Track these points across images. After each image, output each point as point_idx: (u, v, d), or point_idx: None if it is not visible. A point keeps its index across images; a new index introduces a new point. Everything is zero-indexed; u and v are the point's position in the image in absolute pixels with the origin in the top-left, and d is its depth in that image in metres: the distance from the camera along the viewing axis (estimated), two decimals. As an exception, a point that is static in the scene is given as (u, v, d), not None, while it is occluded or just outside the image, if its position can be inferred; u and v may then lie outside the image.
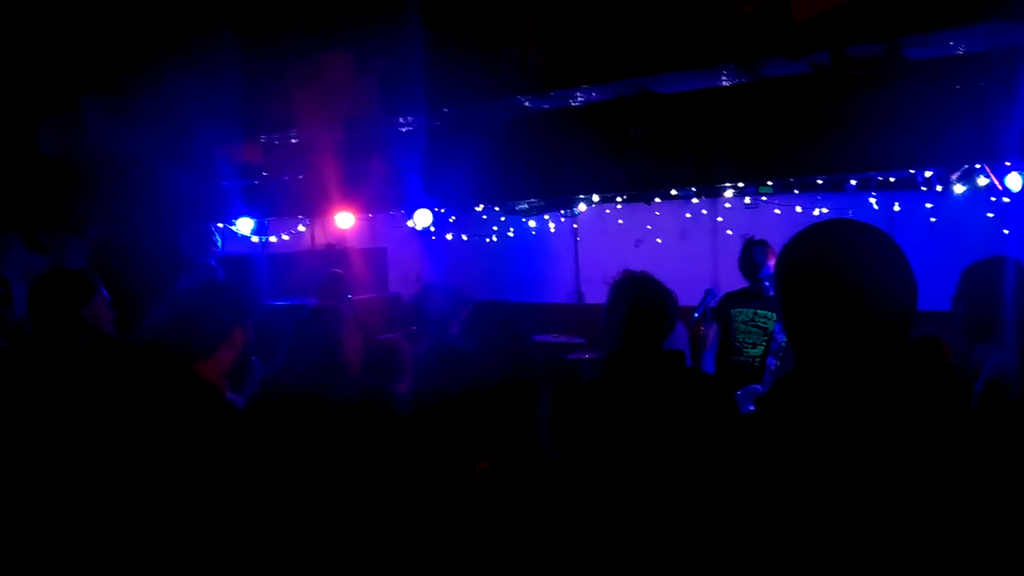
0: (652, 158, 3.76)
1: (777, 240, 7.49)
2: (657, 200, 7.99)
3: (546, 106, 3.52)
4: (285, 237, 7.87)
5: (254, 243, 7.45)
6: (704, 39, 2.77)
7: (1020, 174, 4.83)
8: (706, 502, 1.41)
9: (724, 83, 3.09)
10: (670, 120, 3.52)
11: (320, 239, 8.65)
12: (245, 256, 7.12)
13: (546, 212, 8.25)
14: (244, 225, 6.92)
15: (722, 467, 1.39)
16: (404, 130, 4.14)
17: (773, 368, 4.48)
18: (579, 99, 3.39)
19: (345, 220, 6.90)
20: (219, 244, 6.97)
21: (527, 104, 3.49)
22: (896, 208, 6.81)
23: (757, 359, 4.49)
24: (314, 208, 5.89)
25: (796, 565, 1.22)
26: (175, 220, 5.53)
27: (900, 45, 2.48)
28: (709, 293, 5.03)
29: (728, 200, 8.36)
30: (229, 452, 2.02)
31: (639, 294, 2.67)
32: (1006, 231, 6.42)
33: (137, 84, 4.15)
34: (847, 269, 1.29)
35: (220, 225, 6.94)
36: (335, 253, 8.29)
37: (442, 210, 7.18)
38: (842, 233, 1.35)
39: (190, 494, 1.95)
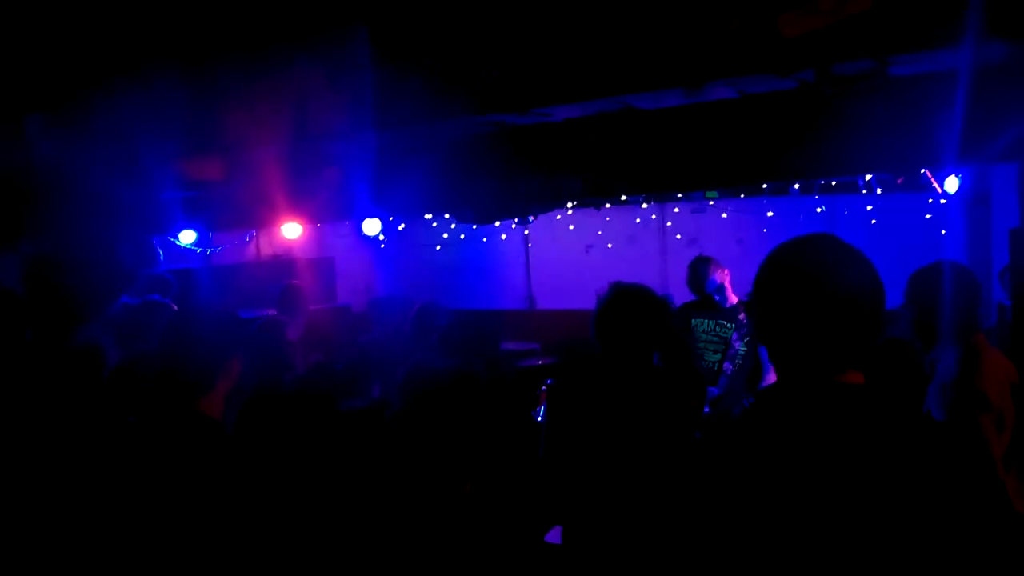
0: (603, 168, 3.79)
1: (725, 243, 7.63)
2: (607, 206, 8.05)
3: (508, 121, 3.50)
4: (226, 247, 7.67)
5: (196, 255, 7.24)
6: (686, 56, 2.71)
7: (956, 176, 5.03)
8: (674, 504, 1.45)
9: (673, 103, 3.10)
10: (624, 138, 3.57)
11: (266, 250, 8.47)
12: (188, 270, 6.91)
13: (497, 219, 8.22)
14: (186, 237, 6.71)
15: (693, 473, 1.44)
16: (352, 146, 4.07)
17: (728, 372, 4.60)
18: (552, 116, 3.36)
19: (292, 230, 6.75)
20: (160, 257, 6.75)
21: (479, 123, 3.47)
22: (845, 213, 7.03)
23: (716, 363, 4.64)
24: (261, 219, 5.74)
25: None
26: (114, 233, 5.33)
27: (887, 63, 2.52)
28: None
29: (676, 205, 8.49)
30: (242, 491, 1.93)
31: (609, 301, 2.69)
32: (943, 231, 6.68)
33: (77, 100, 3.98)
34: (818, 278, 1.37)
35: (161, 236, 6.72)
36: (281, 264, 8.12)
37: (392, 218, 7.09)
38: (812, 246, 1.44)
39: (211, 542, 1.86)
